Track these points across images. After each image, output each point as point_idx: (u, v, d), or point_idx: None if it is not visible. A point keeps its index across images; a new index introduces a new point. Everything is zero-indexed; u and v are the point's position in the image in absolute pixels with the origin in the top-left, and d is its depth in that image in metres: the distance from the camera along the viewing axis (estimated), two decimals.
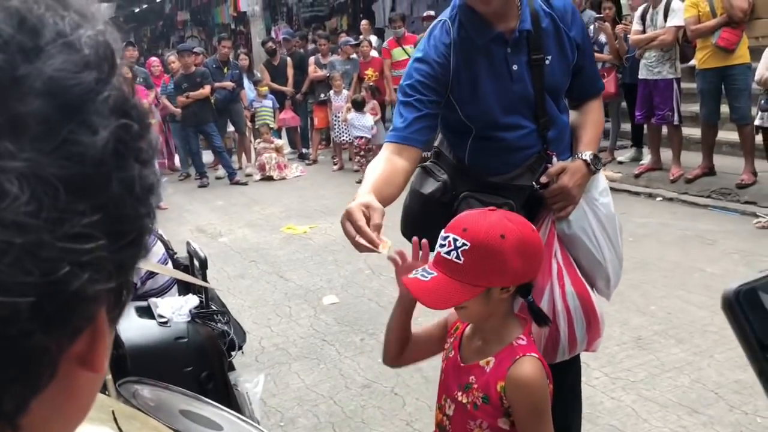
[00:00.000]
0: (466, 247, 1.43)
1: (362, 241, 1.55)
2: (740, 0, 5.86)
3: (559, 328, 1.90)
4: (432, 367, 3.61)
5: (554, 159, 2.00)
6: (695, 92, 6.62)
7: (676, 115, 6.58)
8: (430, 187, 2.06)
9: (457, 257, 1.44)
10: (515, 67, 1.96)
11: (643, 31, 6.66)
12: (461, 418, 1.55)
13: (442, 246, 1.48)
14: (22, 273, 0.31)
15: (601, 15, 7.70)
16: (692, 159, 6.74)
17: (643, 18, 6.67)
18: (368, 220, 1.59)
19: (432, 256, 1.55)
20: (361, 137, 8.93)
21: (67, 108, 0.34)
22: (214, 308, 2.58)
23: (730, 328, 0.51)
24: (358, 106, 8.99)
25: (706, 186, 6.35)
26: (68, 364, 0.37)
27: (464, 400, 1.54)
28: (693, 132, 6.97)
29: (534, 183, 1.97)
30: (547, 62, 1.97)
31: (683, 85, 6.83)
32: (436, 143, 2.19)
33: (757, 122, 5.32)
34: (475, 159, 2.04)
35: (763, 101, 5.08)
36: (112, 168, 0.35)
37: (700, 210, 6.08)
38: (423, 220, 2.02)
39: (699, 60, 6.34)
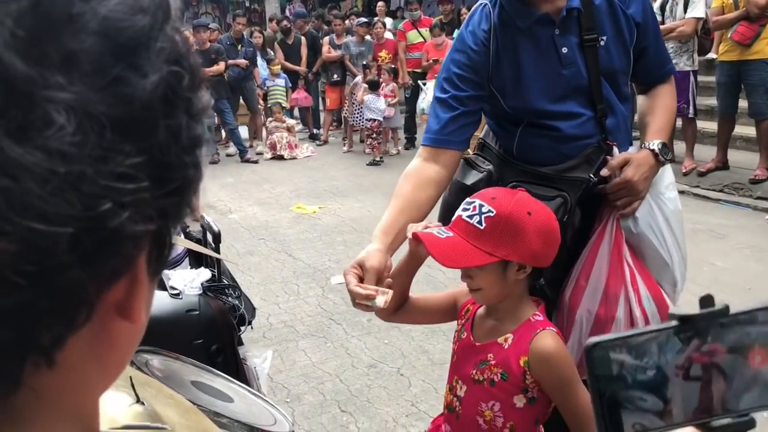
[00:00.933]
0: (491, 214, 1.44)
1: (357, 291, 1.51)
2: None
3: None
4: (439, 350, 3.63)
5: (615, 150, 1.82)
6: (711, 85, 6.56)
7: (691, 107, 6.53)
8: (473, 178, 1.89)
9: (479, 222, 1.45)
10: (565, 50, 1.79)
11: (662, 22, 6.59)
12: (473, 399, 1.55)
13: (465, 210, 1.49)
14: (64, 203, 0.32)
15: None
16: (706, 152, 6.70)
17: (662, 9, 6.60)
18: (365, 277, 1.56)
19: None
20: (374, 119, 8.90)
21: (119, 48, 0.34)
22: (226, 282, 2.59)
23: None
24: (374, 86, 8.95)
25: (718, 180, 6.31)
26: (106, 310, 0.37)
27: (480, 377, 1.54)
28: (707, 125, 6.92)
29: (592, 176, 1.79)
30: (602, 43, 1.80)
31: (699, 78, 6.77)
32: (481, 135, 2.05)
33: None
34: (524, 150, 1.87)
35: None
36: (159, 113, 0.36)
37: (712, 204, 6.04)
38: None
39: (720, 52, 6.30)
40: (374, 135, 8.90)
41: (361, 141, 9.60)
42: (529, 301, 1.58)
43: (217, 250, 2.60)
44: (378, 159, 8.74)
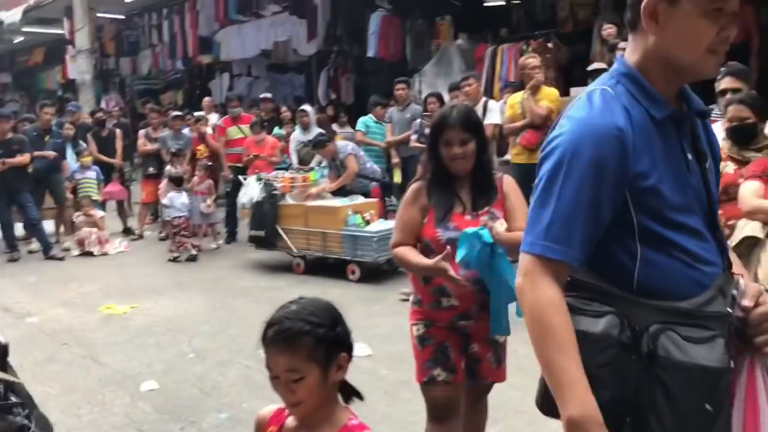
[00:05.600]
0: None
1: None
2: (538, 108, 6.57)
3: None
4: None
5: (740, 281, 1.61)
6: None
7: None
8: (596, 324, 1.50)
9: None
10: (690, 157, 1.58)
11: None
12: None
13: None
14: None
15: (428, 112, 8.22)
16: None
17: None
18: None
19: None
20: (180, 216, 8.66)
21: None
22: (14, 400, 2.36)
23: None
24: (177, 182, 8.78)
25: None
26: None
27: None
28: None
29: (728, 309, 1.54)
30: (707, 165, 1.64)
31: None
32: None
33: None
34: (649, 279, 1.53)
35: None
36: None
37: None
38: (614, 379, 1.48)
39: (512, 155, 6.99)
40: (182, 232, 8.64)
41: (168, 237, 9.21)
42: (341, 406, 1.61)
43: (3, 366, 2.38)
44: (193, 254, 8.51)
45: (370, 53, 11.82)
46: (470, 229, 2.53)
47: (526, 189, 7.58)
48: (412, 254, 2.66)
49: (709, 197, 1.61)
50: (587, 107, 1.54)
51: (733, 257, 1.72)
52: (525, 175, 6.74)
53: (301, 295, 1.71)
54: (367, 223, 7.03)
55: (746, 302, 1.56)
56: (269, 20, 13.30)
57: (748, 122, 3.69)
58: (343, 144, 7.92)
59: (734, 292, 1.57)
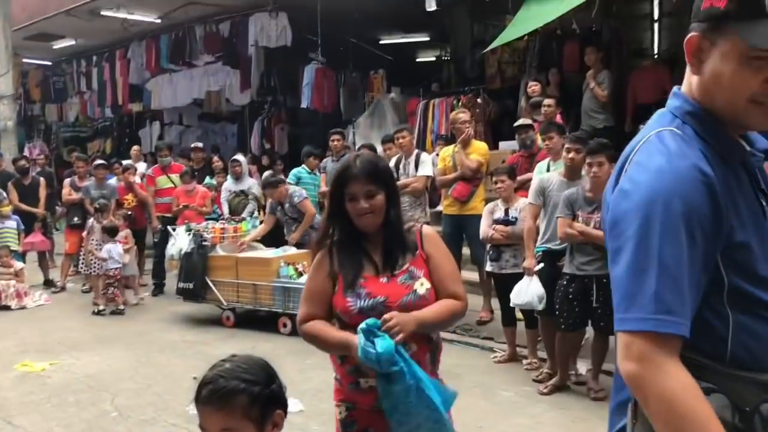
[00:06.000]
0: None
1: None
2: (469, 161, 6.74)
3: None
4: None
5: None
6: (440, 235, 7.31)
7: None
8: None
9: None
10: (765, 203, 1.41)
11: (397, 179, 7.29)
12: None
13: None
14: None
15: None
16: None
17: (396, 167, 7.33)
18: None
19: None
20: (116, 267, 8.35)
21: None
22: None
23: None
24: (112, 232, 8.52)
25: None
26: None
27: None
28: None
29: None
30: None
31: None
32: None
33: (487, 268, 5.96)
34: (746, 346, 1.33)
35: (491, 252, 5.74)
36: None
37: (446, 344, 6.50)
38: None
39: (444, 206, 7.11)
40: (115, 283, 8.35)
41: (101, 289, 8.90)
42: None
43: None
44: (121, 308, 8.21)
45: (304, 104, 11.91)
46: (363, 325, 2.12)
47: (457, 239, 7.75)
48: (321, 328, 2.30)
49: None
50: (663, 152, 1.33)
51: None
52: (456, 226, 6.88)
53: (234, 352, 1.68)
54: (300, 274, 6.95)
55: None
56: (202, 69, 13.27)
57: None
58: (296, 188, 7.88)
59: None
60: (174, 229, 8.24)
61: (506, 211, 5.67)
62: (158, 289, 9.15)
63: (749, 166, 1.41)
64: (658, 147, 1.35)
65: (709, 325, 1.32)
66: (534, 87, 8.34)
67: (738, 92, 1.33)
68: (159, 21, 12.70)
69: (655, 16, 10.86)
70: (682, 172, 1.29)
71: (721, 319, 1.33)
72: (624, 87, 8.96)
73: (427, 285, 2.30)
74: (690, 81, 1.43)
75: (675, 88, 1.47)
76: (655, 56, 10.49)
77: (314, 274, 2.38)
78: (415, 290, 2.29)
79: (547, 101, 7.61)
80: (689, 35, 1.36)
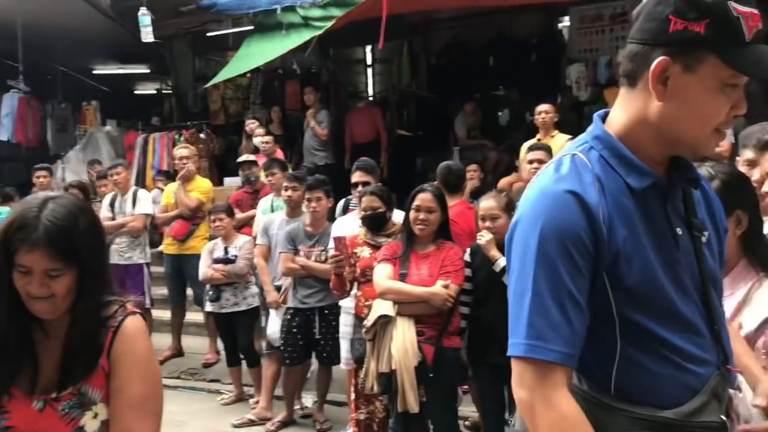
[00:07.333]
0: None
1: None
2: (188, 199, 6.59)
3: None
4: None
5: (738, 378, 1.41)
6: (163, 276, 6.97)
7: (147, 298, 6.75)
8: None
9: None
10: (679, 231, 1.36)
11: (113, 218, 6.80)
12: None
13: None
14: None
15: None
16: (163, 341, 6.93)
17: (112, 205, 6.84)
18: None
19: None
20: None
21: None
22: None
23: None
24: None
25: (175, 367, 6.54)
26: None
27: None
28: (163, 314, 7.22)
29: (723, 417, 1.32)
30: (704, 239, 1.40)
31: (152, 269, 7.10)
32: None
33: (207, 308, 5.79)
34: (629, 382, 1.30)
35: (211, 292, 5.58)
36: None
37: (170, 391, 6.18)
38: None
39: (164, 246, 6.81)
40: None
41: None
42: None
43: None
44: None
45: (4, 137, 10.67)
46: None
47: (178, 280, 7.43)
48: None
49: (704, 277, 1.37)
50: (552, 175, 1.35)
51: (741, 345, 1.53)
52: (177, 267, 6.61)
53: None
54: None
55: (760, 401, 1.44)
56: None
57: (379, 211, 4.09)
58: None
59: (731, 392, 1.35)
60: None
61: (225, 250, 5.57)
62: None
63: (665, 191, 1.37)
64: (549, 171, 1.36)
65: (595, 353, 1.31)
66: (251, 125, 8.38)
67: (709, 119, 1.29)
68: None
69: (368, 62, 11.68)
70: (557, 196, 1.29)
71: (608, 348, 1.31)
72: (342, 126, 9.43)
73: (104, 416, 1.60)
74: (620, 103, 1.39)
75: (596, 113, 1.44)
76: (370, 98, 11.25)
77: None
78: (82, 427, 1.58)
79: (264, 139, 7.69)
80: (657, 59, 1.27)
